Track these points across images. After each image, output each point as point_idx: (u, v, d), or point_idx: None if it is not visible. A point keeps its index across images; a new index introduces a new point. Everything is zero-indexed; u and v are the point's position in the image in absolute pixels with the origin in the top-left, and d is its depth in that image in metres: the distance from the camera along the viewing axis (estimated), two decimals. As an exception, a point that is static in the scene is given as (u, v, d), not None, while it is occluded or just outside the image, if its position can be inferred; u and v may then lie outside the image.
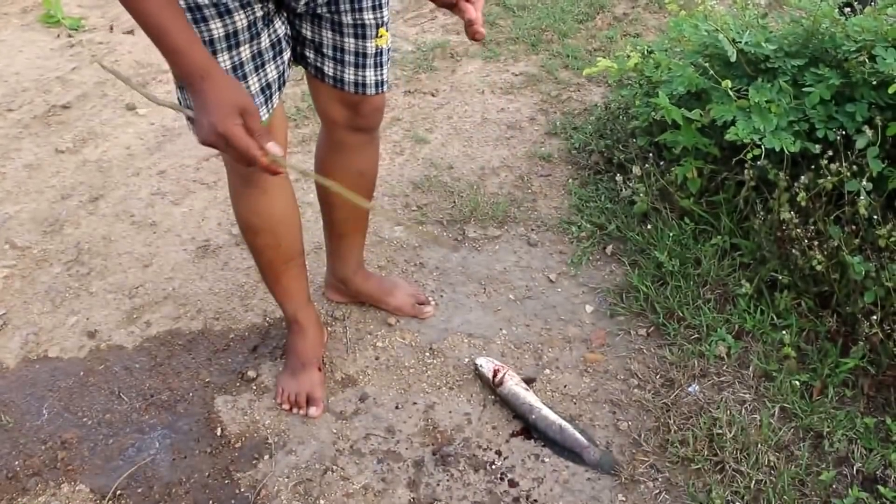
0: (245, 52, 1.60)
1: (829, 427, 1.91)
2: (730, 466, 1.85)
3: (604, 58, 2.82)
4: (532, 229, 2.62)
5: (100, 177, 2.95)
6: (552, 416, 1.97)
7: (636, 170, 2.50)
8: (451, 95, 3.42)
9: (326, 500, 1.85)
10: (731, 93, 2.26)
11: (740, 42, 2.33)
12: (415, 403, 2.06)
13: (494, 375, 2.05)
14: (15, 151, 3.14)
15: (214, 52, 1.56)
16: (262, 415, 2.05)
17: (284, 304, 2.10)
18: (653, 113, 2.58)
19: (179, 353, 2.22)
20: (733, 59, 2.27)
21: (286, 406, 2.07)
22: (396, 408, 2.05)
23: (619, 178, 2.58)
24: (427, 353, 2.19)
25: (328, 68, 1.81)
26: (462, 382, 2.11)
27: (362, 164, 2.05)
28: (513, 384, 2.03)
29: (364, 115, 1.91)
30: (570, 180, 2.82)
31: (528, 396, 2.01)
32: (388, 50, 1.84)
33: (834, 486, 1.80)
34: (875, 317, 1.94)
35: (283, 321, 2.29)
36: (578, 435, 1.93)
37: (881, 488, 1.76)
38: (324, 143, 2.03)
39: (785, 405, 1.97)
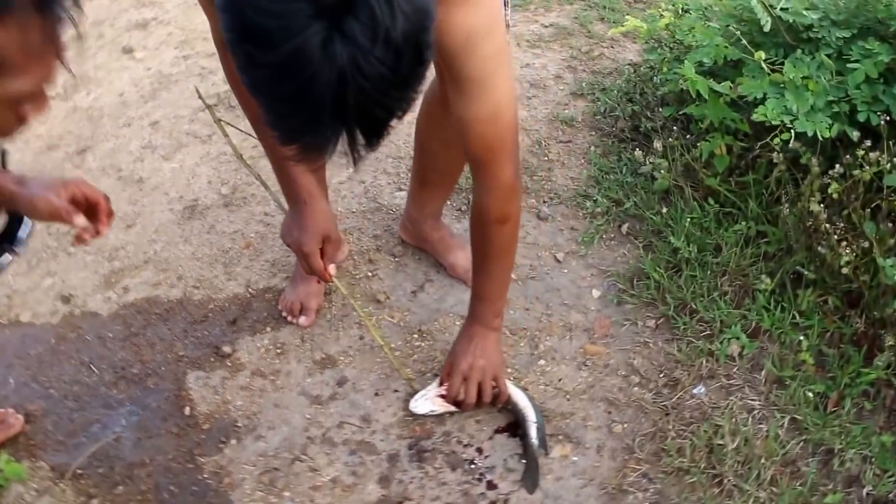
0: None
1: (841, 443, 1.75)
2: (728, 481, 1.72)
3: (647, 10, 2.57)
4: (544, 201, 2.44)
5: (89, 127, 2.80)
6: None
7: (657, 144, 2.29)
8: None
9: (292, 492, 1.75)
10: (764, 65, 2.03)
11: (776, 7, 2.09)
12: (396, 391, 1.93)
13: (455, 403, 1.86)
14: None
15: None
16: (233, 395, 1.94)
17: None
18: (681, 81, 2.35)
19: (155, 323, 2.11)
20: (767, 28, 2.04)
21: (284, 313, 2.10)
22: (376, 394, 1.93)
23: (638, 152, 2.37)
24: (415, 335, 2.06)
25: None
26: (450, 369, 1.97)
27: None
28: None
29: None
30: (592, 148, 2.62)
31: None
32: None
33: (840, 511, 1.65)
34: (905, 326, 1.75)
35: (265, 292, 2.17)
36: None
37: (892, 517, 1.60)
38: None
39: (796, 416, 1.81)
